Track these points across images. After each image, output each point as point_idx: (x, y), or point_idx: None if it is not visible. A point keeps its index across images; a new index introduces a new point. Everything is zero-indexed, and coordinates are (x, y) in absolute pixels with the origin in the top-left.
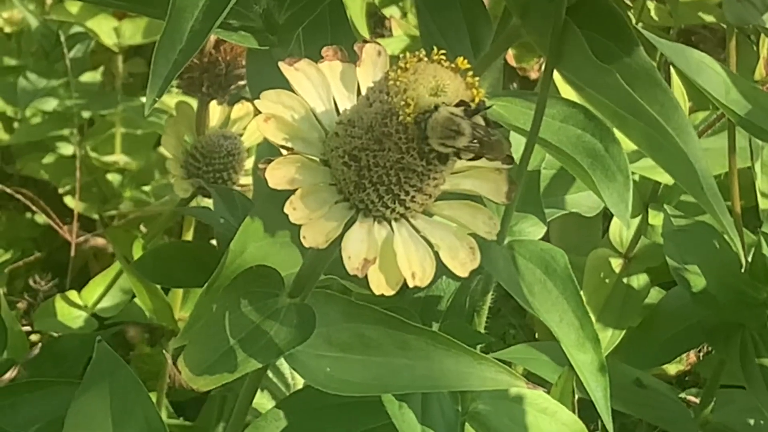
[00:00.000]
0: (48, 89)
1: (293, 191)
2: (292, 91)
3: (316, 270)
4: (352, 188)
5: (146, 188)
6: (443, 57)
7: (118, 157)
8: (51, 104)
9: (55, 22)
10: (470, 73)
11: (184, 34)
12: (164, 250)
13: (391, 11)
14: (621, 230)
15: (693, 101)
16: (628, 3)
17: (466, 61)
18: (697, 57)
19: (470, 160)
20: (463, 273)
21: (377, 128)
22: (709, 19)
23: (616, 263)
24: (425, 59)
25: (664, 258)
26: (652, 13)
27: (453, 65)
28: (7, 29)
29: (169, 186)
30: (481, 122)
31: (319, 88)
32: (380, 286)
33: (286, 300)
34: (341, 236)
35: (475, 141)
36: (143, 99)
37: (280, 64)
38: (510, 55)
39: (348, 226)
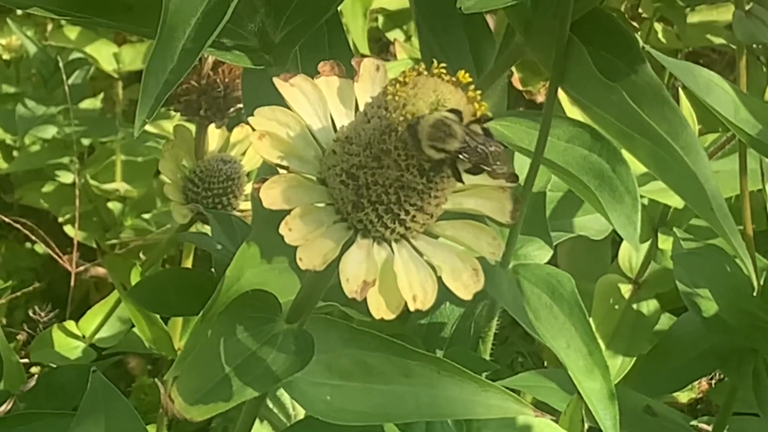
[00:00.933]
0: (47, 116)
1: (290, 212)
2: (288, 107)
3: (314, 294)
4: (350, 208)
5: (147, 216)
6: (444, 71)
7: (119, 185)
8: (50, 132)
9: (54, 47)
10: (472, 87)
11: (175, 53)
12: (161, 277)
13: (395, 35)
14: (630, 255)
15: (702, 124)
16: (635, 25)
17: (467, 74)
18: (706, 76)
19: (470, 172)
20: (466, 296)
21: (375, 145)
22: (718, 41)
23: (626, 289)
24: (425, 73)
25: (674, 283)
26: (660, 36)
27: (454, 79)
28: (5, 56)
29: (171, 214)
30: (479, 131)
31: (316, 104)
32: (380, 309)
33: (283, 326)
34: (339, 258)
35: (470, 148)
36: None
37: (275, 79)
38: (516, 79)
39: (346, 247)
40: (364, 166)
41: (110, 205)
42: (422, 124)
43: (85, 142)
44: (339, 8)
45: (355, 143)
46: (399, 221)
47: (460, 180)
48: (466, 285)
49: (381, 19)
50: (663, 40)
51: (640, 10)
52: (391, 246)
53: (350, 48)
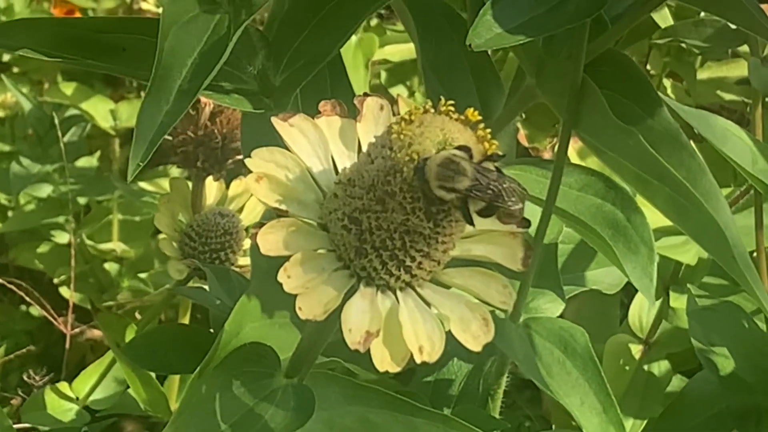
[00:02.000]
0: (42, 175)
1: (289, 259)
2: (287, 148)
3: (315, 346)
4: (352, 254)
5: (143, 276)
6: (452, 108)
7: (116, 245)
8: (45, 190)
9: (50, 104)
10: (481, 125)
11: (171, 94)
12: (156, 334)
13: (399, 90)
14: (641, 314)
15: (715, 178)
16: None
17: (476, 112)
18: (722, 124)
19: (484, 213)
20: (475, 347)
21: (379, 187)
22: (728, 97)
23: (636, 349)
24: (432, 111)
25: (686, 343)
26: (669, 91)
27: (462, 118)
28: (0, 113)
29: (168, 273)
30: (491, 168)
31: (316, 145)
32: (384, 361)
33: (282, 380)
34: (341, 307)
35: (482, 185)
36: (142, 184)
37: (273, 119)
38: (522, 135)
39: (348, 295)
40: (368, 210)
41: (107, 265)
42: (429, 165)
43: (82, 201)
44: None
45: (357, 186)
46: (404, 268)
47: (471, 222)
48: (475, 336)
49: (384, 74)
50: (672, 96)
51: (648, 67)
52: (396, 295)
53: (353, 92)
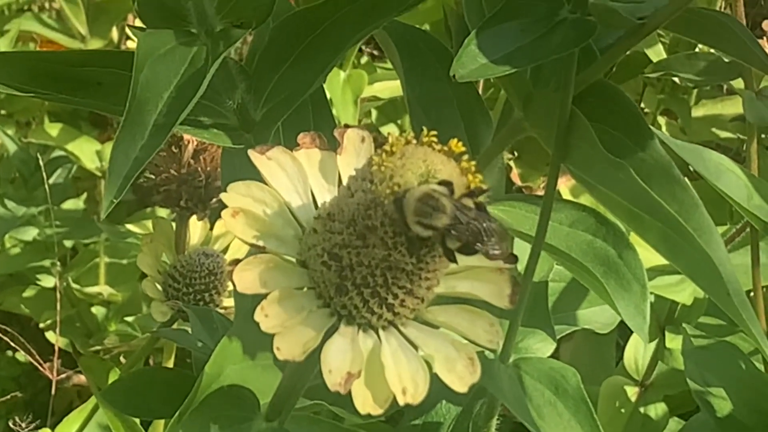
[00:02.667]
0: (27, 217)
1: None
2: (264, 182)
3: (296, 388)
4: (332, 292)
5: (131, 319)
6: (434, 139)
7: (102, 289)
8: (31, 233)
9: (35, 145)
10: (465, 157)
11: (146, 129)
12: (138, 377)
13: (390, 129)
14: (636, 356)
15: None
16: None
17: (460, 143)
18: (716, 159)
19: (462, 252)
20: (461, 388)
21: (360, 221)
22: (723, 134)
23: (632, 392)
24: (414, 142)
25: (683, 385)
26: (664, 129)
27: (446, 149)
28: None
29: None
30: (471, 205)
31: (295, 179)
32: (366, 403)
33: (262, 424)
34: (321, 347)
35: (461, 224)
36: (129, 226)
37: (250, 152)
38: (515, 174)
39: (328, 335)
40: (348, 246)
41: (94, 309)
42: (408, 198)
43: (68, 243)
44: (329, 96)
45: (337, 220)
46: (386, 306)
47: (453, 260)
48: (461, 376)
49: (374, 112)
50: (667, 133)
51: (642, 104)
52: (378, 334)
53: (336, 125)
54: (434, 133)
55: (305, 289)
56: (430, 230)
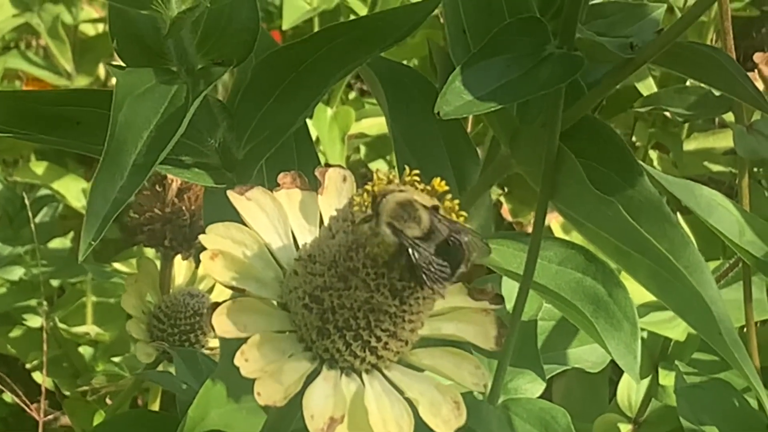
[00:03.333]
0: (13, 257)
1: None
2: (244, 223)
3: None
4: (314, 335)
5: (117, 359)
6: (417, 178)
7: (90, 328)
8: (17, 273)
9: (21, 184)
10: (449, 196)
11: (125, 169)
12: (122, 420)
13: (379, 165)
14: (630, 393)
15: (702, 252)
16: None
17: (443, 182)
18: (708, 195)
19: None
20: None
21: (341, 263)
22: (716, 168)
23: (626, 429)
24: (396, 181)
25: (677, 422)
26: (655, 163)
27: (429, 188)
28: None
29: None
30: (453, 224)
31: (275, 220)
32: None
33: None
34: (303, 392)
35: (432, 239)
36: (116, 265)
37: (229, 193)
38: (505, 210)
39: (311, 379)
40: (330, 288)
41: (81, 349)
42: (388, 199)
43: (54, 283)
44: (316, 134)
45: (318, 262)
46: (369, 349)
47: (421, 283)
48: (446, 420)
49: (363, 149)
50: (659, 167)
51: (634, 138)
52: (361, 377)
53: (321, 164)
54: (417, 172)
55: (286, 332)
56: (397, 237)
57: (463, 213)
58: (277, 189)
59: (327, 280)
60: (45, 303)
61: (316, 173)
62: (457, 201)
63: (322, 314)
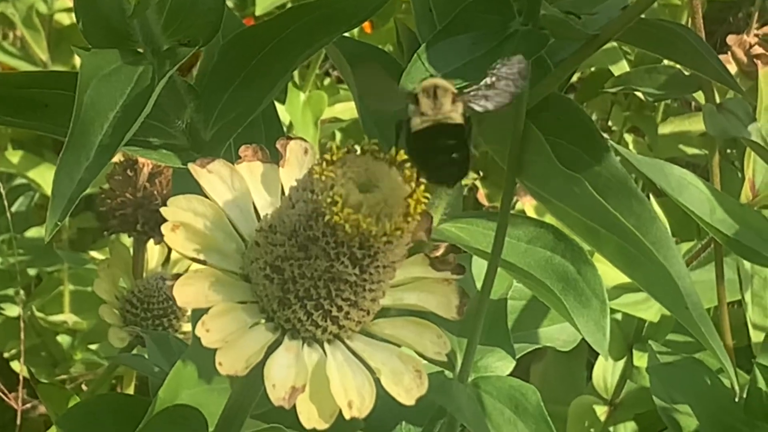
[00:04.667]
0: None
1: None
2: (205, 196)
3: (243, 405)
4: (275, 305)
5: (94, 347)
6: (376, 147)
7: (67, 317)
8: None
9: None
10: (408, 165)
11: (91, 150)
12: (94, 404)
13: None
14: (605, 375)
15: (676, 233)
16: (606, 137)
17: (402, 152)
18: (678, 174)
19: None
20: (408, 401)
21: (301, 233)
22: (691, 151)
23: (601, 411)
24: (355, 150)
25: (652, 404)
26: (631, 146)
27: (388, 156)
28: None
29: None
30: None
31: (237, 192)
32: (311, 418)
33: None
34: (264, 361)
35: None
36: (93, 253)
37: (190, 165)
38: (482, 194)
39: (272, 349)
40: (290, 258)
41: (59, 338)
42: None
43: (32, 272)
44: (289, 119)
45: (279, 232)
46: (331, 319)
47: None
48: (408, 389)
49: (338, 134)
50: (634, 151)
51: (610, 123)
52: (323, 347)
53: None
54: (375, 141)
55: (248, 303)
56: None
57: (422, 180)
58: (239, 162)
59: (287, 250)
60: (22, 292)
61: (277, 146)
62: (415, 170)
63: (283, 284)
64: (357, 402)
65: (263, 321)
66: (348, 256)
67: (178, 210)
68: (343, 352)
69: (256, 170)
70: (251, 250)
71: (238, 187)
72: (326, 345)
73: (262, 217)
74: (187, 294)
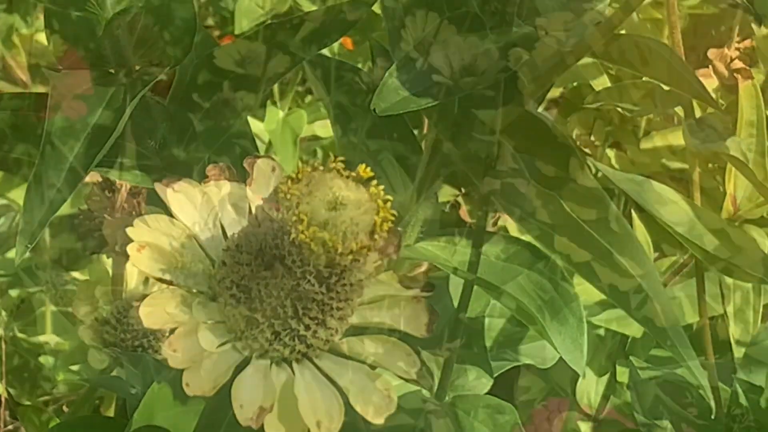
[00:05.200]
0: None
1: None
2: (171, 215)
3: (214, 425)
4: (243, 325)
5: (76, 368)
6: (342, 165)
7: (49, 338)
8: None
9: None
10: (374, 182)
11: (62, 172)
12: (72, 426)
13: None
14: (589, 391)
15: (659, 247)
16: (588, 152)
17: (368, 169)
18: (657, 190)
19: None
20: (377, 419)
21: (267, 251)
22: (674, 165)
23: (585, 427)
24: (321, 168)
25: (635, 420)
26: (613, 161)
27: (354, 174)
28: None
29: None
30: None
31: (204, 211)
32: None
33: None
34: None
35: None
36: (75, 274)
37: (156, 185)
38: (464, 211)
39: (240, 369)
40: (256, 277)
41: (41, 359)
42: None
43: (13, 293)
44: (267, 138)
45: (245, 251)
46: (298, 338)
47: None
48: (377, 408)
49: (320, 152)
50: (616, 166)
51: (592, 138)
52: (291, 367)
53: None
54: (341, 158)
55: (215, 323)
56: None
57: (389, 197)
58: (206, 181)
59: (254, 269)
60: (4, 313)
61: (245, 164)
62: (382, 187)
63: (250, 304)
64: (326, 422)
65: (231, 341)
66: (314, 274)
67: (143, 229)
68: (312, 372)
69: (224, 189)
70: (218, 270)
71: (206, 206)
72: (294, 364)
73: (229, 236)
74: (152, 314)
